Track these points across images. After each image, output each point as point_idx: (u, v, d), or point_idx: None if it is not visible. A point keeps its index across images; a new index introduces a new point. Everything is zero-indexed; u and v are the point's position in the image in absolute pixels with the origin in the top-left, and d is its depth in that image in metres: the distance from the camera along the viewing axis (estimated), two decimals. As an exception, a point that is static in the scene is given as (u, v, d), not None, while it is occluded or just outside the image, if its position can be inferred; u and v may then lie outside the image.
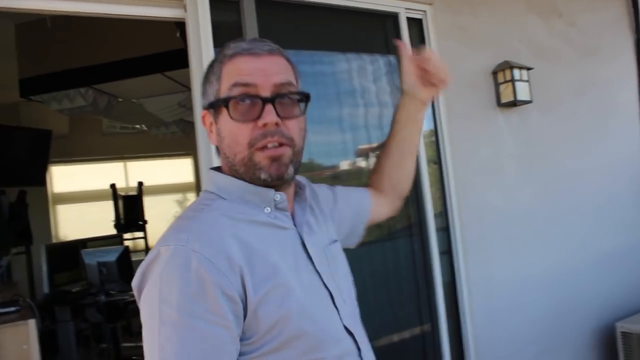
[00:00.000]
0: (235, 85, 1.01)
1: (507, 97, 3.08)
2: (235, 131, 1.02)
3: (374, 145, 2.89)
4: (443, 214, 2.96)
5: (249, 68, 1.01)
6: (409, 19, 2.94)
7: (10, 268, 5.13)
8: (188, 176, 7.82)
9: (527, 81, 3.12)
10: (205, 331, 0.88)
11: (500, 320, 3.04)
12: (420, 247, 2.87)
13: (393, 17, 2.90)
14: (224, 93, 1.02)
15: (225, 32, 2.45)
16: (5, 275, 4.78)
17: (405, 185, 1.49)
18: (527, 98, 3.11)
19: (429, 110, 2.97)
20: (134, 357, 4.88)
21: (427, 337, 2.86)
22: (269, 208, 1.05)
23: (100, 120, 6.81)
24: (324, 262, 1.10)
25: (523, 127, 3.25)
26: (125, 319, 4.98)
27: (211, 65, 1.07)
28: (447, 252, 2.94)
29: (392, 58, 2.92)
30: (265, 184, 1.04)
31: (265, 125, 1.00)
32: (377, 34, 2.95)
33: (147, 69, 4.22)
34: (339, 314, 1.07)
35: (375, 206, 1.43)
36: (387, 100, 2.90)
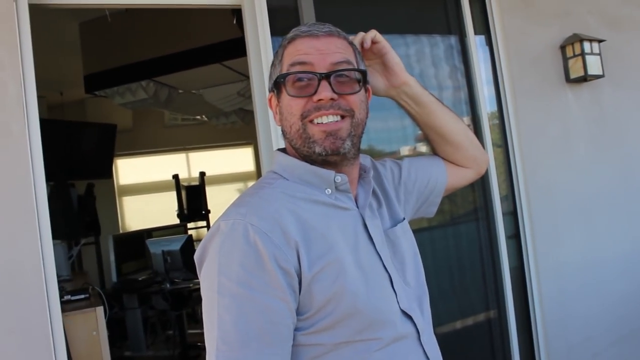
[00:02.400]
0: (293, 64, 1.04)
1: (576, 72, 2.92)
2: (291, 104, 1.04)
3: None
4: (510, 197, 2.85)
5: (306, 48, 1.04)
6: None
7: (81, 258, 5.32)
8: (249, 165, 7.88)
9: (598, 54, 2.94)
10: (263, 303, 0.90)
11: (572, 306, 2.90)
12: (487, 232, 2.78)
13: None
14: (285, 70, 1.05)
15: (282, 18, 2.42)
16: (75, 265, 4.96)
17: (471, 152, 1.39)
18: (598, 72, 2.93)
19: (492, 90, 2.86)
20: (199, 344, 4.97)
21: (494, 323, 2.78)
22: (329, 189, 1.06)
23: (162, 113, 6.94)
24: (385, 244, 1.10)
25: (594, 104, 3.07)
26: (190, 307, 5.07)
27: (276, 51, 1.10)
28: (515, 236, 2.84)
29: (453, 39, 2.82)
30: (323, 160, 1.04)
31: (320, 100, 1.01)
32: (437, 13, 2.86)
33: (206, 60, 4.24)
34: (396, 297, 1.06)
35: (452, 169, 1.38)
36: (448, 83, 2.81)
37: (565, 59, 2.96)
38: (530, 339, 2.83)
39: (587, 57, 2.89)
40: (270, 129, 2.30)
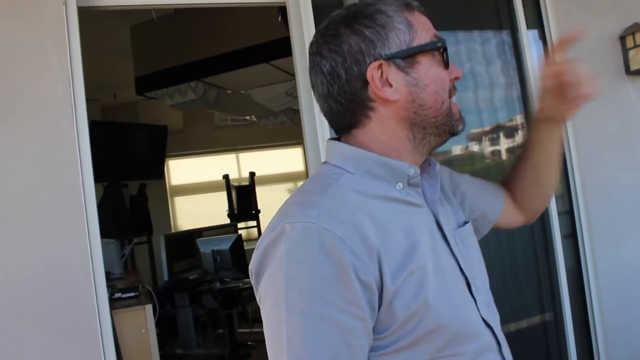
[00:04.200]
0: (436, 36, 0.94)
1: (637, 63, 2.76)
2: (443, 79, 0.93)
3: (487, 128, 2.75)
4: (566, 196, 2.74)
5: (428, 23, 0.96)
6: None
7: (134, 257, 5.43)
8: (298, 165, 7.90)
9: (661, 45, 2.79)
10: (338, 322, 0.78)
11: (634, 310, 2.75)
12: (542, 231, 2.68)
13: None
14: (424, 40, 0.92)
15: (327, 15, 2.39)
16: (129, 264, 5.06)
17: (542, 204, 1.30)
18: (662, 64, 2.78)
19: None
20: (249, 343, 5.00)
21: (550, 326, 2.69)
22: (401, 184, 0.93)
23: (212, 114, 7.03)
24: (458, 244, 0.99)
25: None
26: (239, 306, 5.11)
27: (383, 13, 0.91)
28: (571, 236, 2.72)
29: (505, 34, 2.73)
30: (443, 142, 0.97)
31: (457, 78, 0.95)
32: (488, 7, 2.77)
33: (253, 59, 4.26)
34: (476, 303, 0.94)
35: (507, 208, 1.24)
36: (500, 81, 2.74)
37: (625, 50, 2.80)
38: (589, 344, 2.71)
39: (650, 48, 2.74)
40: (317, 129, 2.27)
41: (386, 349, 0.84)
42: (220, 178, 6.94)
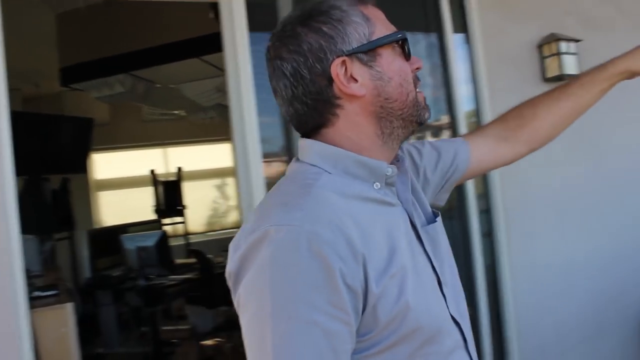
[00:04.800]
0: (397, 30, 0.95)
1: (553, 71, 2.94)
2: (406, 71, 0.94)
3: (428, 126, 2.83)
4: (486, 195, 2.86)
5: (384, 16, 0.98)
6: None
7: (54, 253, 5.24)
8: (227, 161, 7.84)
9: (575, 54, 2.96)
10: (325, 327, 0.77)
11: (545, 304, 2.92)
12: (461, 230, 2.78)
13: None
14: (383, 33, 0.92)
15: (260, 13, 2.40)
16: (49, 260, 4.88)
17: (545, 136, 1.35)
18: (574, 72, 2.95)
19: (470, 88, 2.87)
20: (173, 340, 4.93)
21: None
22: (378, 184, 0.92)
23: (140, 107, 6.85)
24: (429, 241, 0.98)
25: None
26: (164, 303, 5.03)
27: (338, 8, 0.91)
28: (489, 235, 2.84)
29: (432, 36, 2.82)
30: (411, 133, 0.98)
31: (418, 68, 0.97)
32: (415, 10, 2.86)
33: (184, 54, 4.21)
34: (445, 301, 0.95)
35: (477, 153, 1.26)
36: (426, 81, 2.81)
37: (542, 58, 2.98)
38: (502, 338, 2.84)
39: (564, 57, 2.91)
40: (245, 125, 2.27)
41: (368, 351, 0.84)
42: (147, 173, 6.79)
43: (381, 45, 0.91)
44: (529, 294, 2.87)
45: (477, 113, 2.88)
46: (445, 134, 2.86)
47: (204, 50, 4.09)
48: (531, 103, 1.32)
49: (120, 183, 7.33)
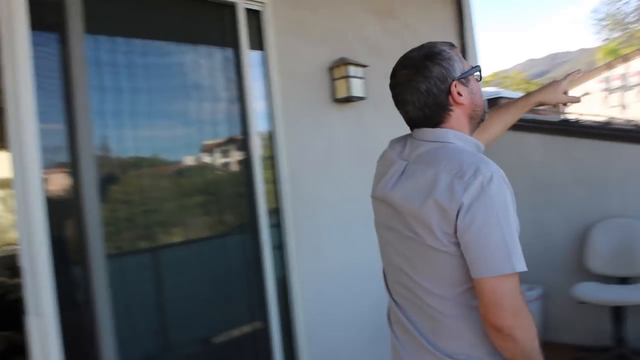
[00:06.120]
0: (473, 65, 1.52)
1: (342, 92, 3.15)
2: (480, 88, 1.53)
3: (213, 141, 2.84)
4: (278, 210, 2.95)
5: None
6: (248, 10, 2.89)
7: None
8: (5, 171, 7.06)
9: (361, 78, 3.21)
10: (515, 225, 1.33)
11: (333, 311, 3.12)
12: (253, 244, 2.84)
13: (231, 8, 2.84)
14: (468, 67, 1.49)
15: (46, 11, 2.25)
16: None
17: (492, 139, 1.88)
18: (361, 94, 3.20)
19: (265, 105, 2.94)
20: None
21: (260, 332, 2.85)
22: None
23: None
24: None
25: (357, 123, 3.34)
26: None
27: (445, 51, 1.47)
28: (281, 247, 2.94)
29: (229, 51, 2.85)
30: (477, 127, 1.56)
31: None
32: (214, 24, 2.87)
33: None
34: None
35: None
36: (221, 96, 2.83)
37: (332, 80, 3.17)
38: (293, 346, 2.96)
39: (352, 80, 3.14)
40: (23, 132, 2.09)
41: None
42: None
43: (471, 74, 1.49)
44: (318, 301, 3.03)
45: (271, 130, 2.95)
46: (237, 148, 2.88)
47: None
48: (490, 114, 1.84)
49: None
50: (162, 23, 2.67)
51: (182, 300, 2.59)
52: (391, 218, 1.50)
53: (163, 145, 2.63)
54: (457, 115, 1.46)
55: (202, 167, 2.79)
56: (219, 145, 2.87)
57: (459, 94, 1.44)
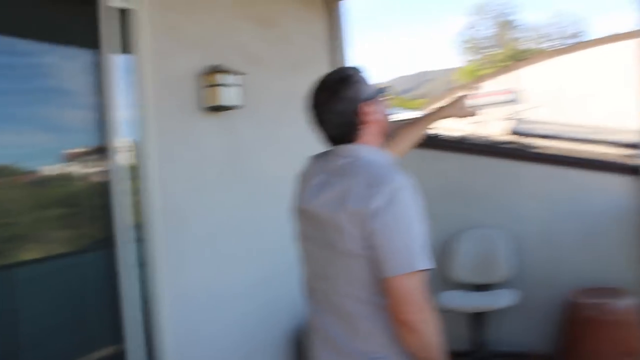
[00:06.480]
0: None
1: (212, 101, 3.03)
2: (384, 108, 1.69)
3: (83, 149, 2.64)
4: (143, 225, 2.76)
5: None
6: (116, 11, 2.70)
7: None
8: None
9: (238, 86, 3.11)
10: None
11: (201, 330, 2.97)
12: (111, 261, 2.64)
13: (92, 5, 2.62)
14: (376, 89, 1.66)
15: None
16: None
17: (401, 153, 2.01)
18: (234, 103, 3.10)
19: (131, 112, 2.76)
20: None
21: (119, 355, 2.65)
22: None
23: None
24: None
25: (229, 133, 3.24)
26: None
27: (355, 75, 1.62)
28: (144, 265, 2.75)
29: (93, 53, 2.64)
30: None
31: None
32: (75, 23, 2.65)
33: None
34: None
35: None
36: (81, 101, 2.64)
37: (204, 87, 3.04)
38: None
39: (224, 88, 3.02)
40: None
41: None
42: None
43: (378, 95, 1.65)
44: (185, 320, 2.88)
45: (138, 138, 2.77)
46: (100, 158, 2.68)
47: None
48: (401, 130, 2.05)
49: None
50: (16, 19, 2.42)
51: (35, 322, 2.37)
52: (311, 228, 1.63)
53: (16, 153, 2.41)
54: (368, 132, 1.61)
55: (60, 178, 2.57)
56: (79, 154, 2.65)
57: (368, 113, 1.59)
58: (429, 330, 1.44)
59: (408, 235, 1.44)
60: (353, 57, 4.50)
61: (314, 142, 3.69)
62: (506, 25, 26.14)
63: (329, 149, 1.67)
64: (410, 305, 1.41)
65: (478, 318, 4.09)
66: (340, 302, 1.55)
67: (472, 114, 2.14)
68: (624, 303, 3.55)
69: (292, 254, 3.49)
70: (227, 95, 3.06)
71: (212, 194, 3.10)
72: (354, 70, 1.64)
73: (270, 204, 3.42)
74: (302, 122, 3.73)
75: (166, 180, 2.83)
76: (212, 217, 3.09)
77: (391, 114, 1.75)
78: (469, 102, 2.14)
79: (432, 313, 1.46)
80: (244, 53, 3.38)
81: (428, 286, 1.48)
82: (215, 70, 3.02)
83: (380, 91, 1.68)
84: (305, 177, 1.73)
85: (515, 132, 7.23)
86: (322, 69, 4.08)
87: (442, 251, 4.36)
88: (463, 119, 2.17)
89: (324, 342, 1.62)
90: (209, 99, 3.04)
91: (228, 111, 3.16)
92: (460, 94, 2.16)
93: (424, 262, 1.44)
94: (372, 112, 1.60)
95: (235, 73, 3.13)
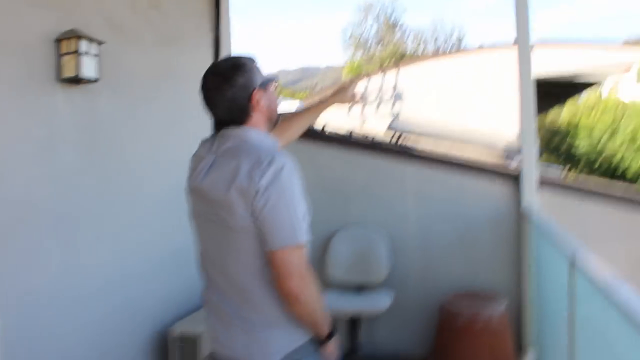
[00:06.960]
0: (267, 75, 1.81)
1: (70, 71, 2.60)
2: (275, 95, 1.82)
3: None
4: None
5: None
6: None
7: None
8: None
9: (96, 55, 2.70)
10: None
11: (45, 335, 2.55)
12: None
13: None
14: (267, 77, 1.78)
15: None
16: None
17: (289, 141, 2.14)
18: (94, 75, 2.69)
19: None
20: None
21: None
22: None
23: None
24: None
25: (88, 108, 2.82)
26: None
27: (248, 64, 1.74)
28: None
29: None
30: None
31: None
32: None
33: None
34: None
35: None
36: None
37: (59, 55, 2.60)
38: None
39: (84, 57, 2.61)
40: None
41: None
42: None
43: (269, 83, 1.76)
44: (24, 325, 2.46)
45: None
46: None
47: None
48: (290, 117, 2.15)
49: None
50: None
51: None
52: (202, 206, 1.72)
53: None
54: (257, 118, 1.72)
55: None
56: None
57: (258, 100, 1.70)
58: (312, 299, 1.61)
59: (291, 212, 1.57)
60: (236, 41, 4.22)
61: (189, 122, 3.37)
62: (390, 25, 26.89)
63: (218, 131, 1.74)
64: (292, 277, 1.56)
65: (353, 320, 3.95)
66: (233, 276, 1.67)
67: (356, 100, 2.25)
68: (497, 310, 3.54)
69: (156, 250, 3.22)
70: (88, 67, 2.64)
71: (65, 180, 2.68)
72: (248, 59, 1.73)
73: (132, 192, 3.10)
74: (176, 102, 3.46)
75: (4, 161, 2.37)
76: (65, 207, 2.67)
77: (280, 103, 1.81)
78: (354, 88, 2.22)
79: (314, 283, 1.63)
80: (109, 20, 2.97)
81: (309, 258, 1.63)
82: (73, 35, 2.59)
83: (271, 80, 1.77)
84: (196, 159, 1.78)
85: (393, 129, 7.31)
86: (203, 49, 3.86)
87: (320, 249, 4.16)
88: (348, 104, 2.27)
89: (218, 316, 1.73)
90: (64, 69, 2.60)
91: (86, 85, 2.73)
92: (345, 80, 2.24)
93: (303, 237, 1.59)
94: (262, 99, 1.71)
95: (99, 42, 2.72)
